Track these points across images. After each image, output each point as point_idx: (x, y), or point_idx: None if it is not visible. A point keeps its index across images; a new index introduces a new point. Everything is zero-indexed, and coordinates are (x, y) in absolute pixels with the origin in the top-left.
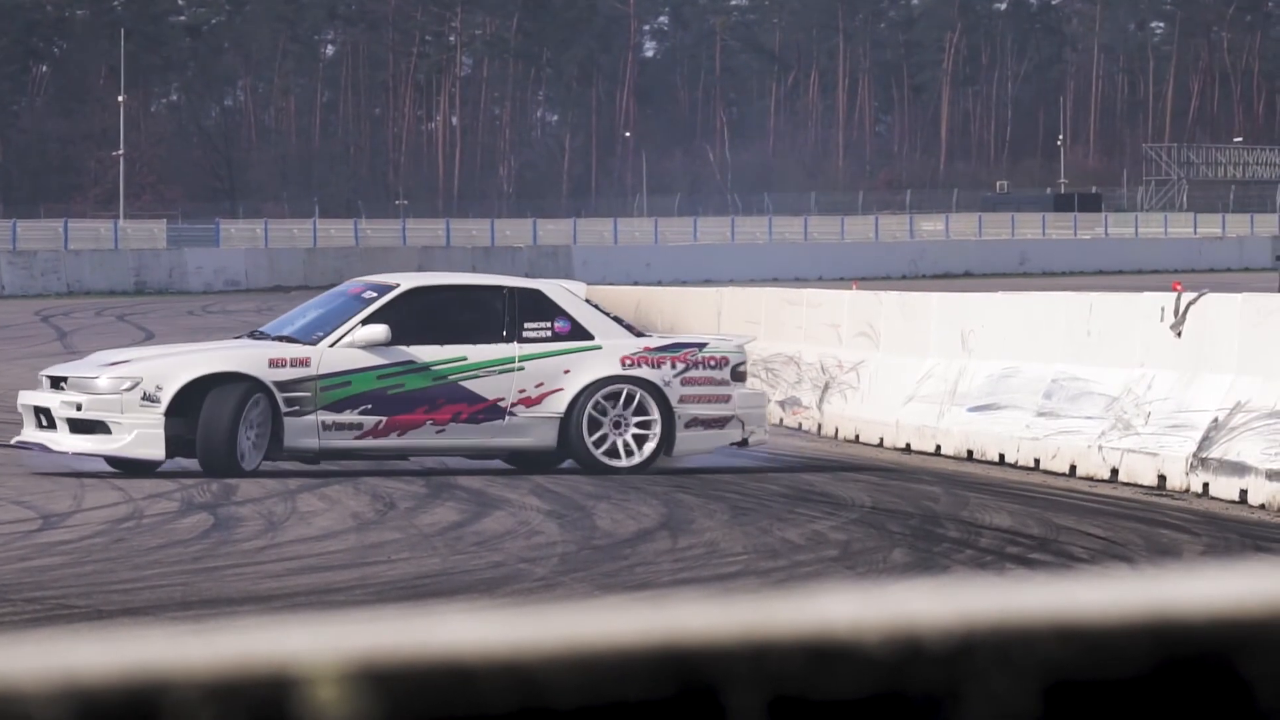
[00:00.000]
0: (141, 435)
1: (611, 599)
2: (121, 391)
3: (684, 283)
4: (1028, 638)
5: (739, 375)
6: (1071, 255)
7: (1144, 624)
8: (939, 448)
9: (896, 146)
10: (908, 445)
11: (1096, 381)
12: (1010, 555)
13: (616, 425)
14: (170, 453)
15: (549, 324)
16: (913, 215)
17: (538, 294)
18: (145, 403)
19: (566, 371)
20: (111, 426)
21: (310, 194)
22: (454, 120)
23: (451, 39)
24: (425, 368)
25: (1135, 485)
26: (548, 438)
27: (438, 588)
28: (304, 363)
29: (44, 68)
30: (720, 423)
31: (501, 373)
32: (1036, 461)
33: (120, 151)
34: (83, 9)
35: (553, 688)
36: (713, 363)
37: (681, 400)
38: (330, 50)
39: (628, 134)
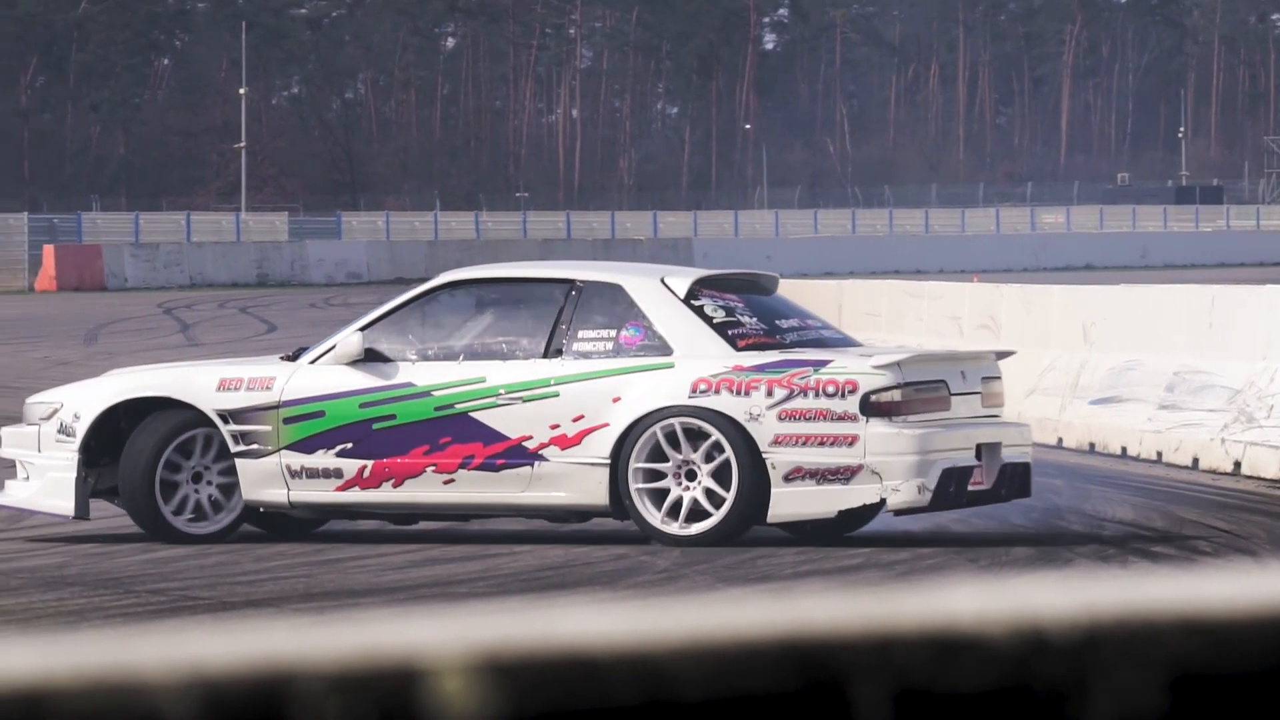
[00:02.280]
0: (50, 481)
1: (734, 592)
2: (39, 421)
3: (805, 275)
4: (1153, 631)
5: (878, 407)
6: (1193, 248)
7: (1269, 617)
8: (1061, 440)
9: (1017, 139)
10: None
11: (1219, 374)
12: (1133, 549)
13: (690, 477)
14: (82, 507)
15: (613, 332)
16: (1033, 208)
17: (614, 290)
18: (61, 437)
19: (616, 400)
20: (25, 468)
21: (431, 186)
22: (574, 113)
23: (572, 32)
24: (425, 393)
25: (1258, 478)
26: (592, 492)
27: (560, 580)
28: (265, 385)
29: (166, 61)
30: (841, 474)
31: (528, 400)
32: (1159, 454)
33: (242, 144)
34: (204, 2)
35: (678, 680)
36: (831, 388)
37: (776, 442)
38: (450, 43)
39: (748, 126)
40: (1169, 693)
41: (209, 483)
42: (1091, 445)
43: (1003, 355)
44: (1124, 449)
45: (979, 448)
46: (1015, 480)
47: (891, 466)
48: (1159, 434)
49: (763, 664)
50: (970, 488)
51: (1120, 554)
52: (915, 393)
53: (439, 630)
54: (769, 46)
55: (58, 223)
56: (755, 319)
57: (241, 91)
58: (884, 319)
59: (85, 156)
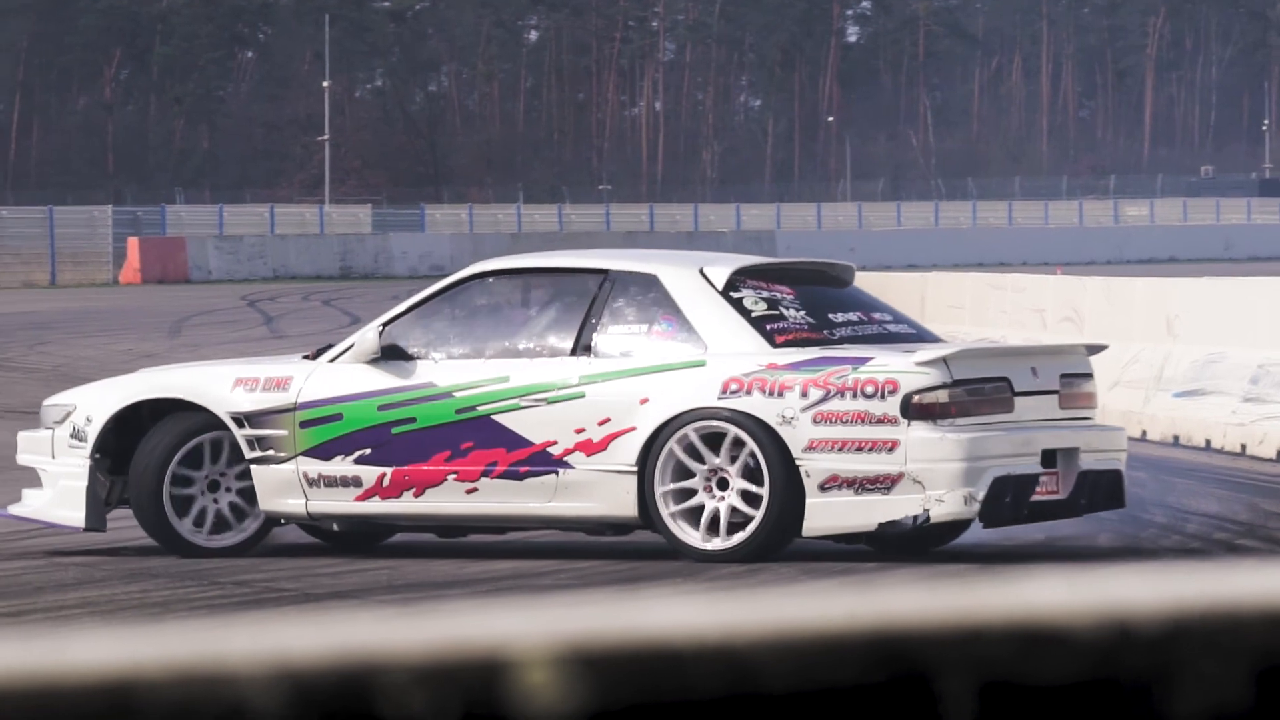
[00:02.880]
0: (62, 490)
1: (818, 584)
2: (53, 425)
3: (888, 268)
4: (1237, 623)
5: (920, 409)
6: (1277, 240)
7: None
8: (1144, 433)
9: (1100, 132)
10: None
11: None
12: (1218, 541)
13: (722, 486)
14: (95, 519)
15: (645, 326)
16: (1117, 200)
17: (648, 281)
18: (74, 442)
19: (644, 402)
20: (41, 476)
21: (514, 179)
22: (657, 105)
23: (654, 24)
24: (446, 395)
25: None
26: (620, 502)
27: (643, 572)
28: (282, 385)
29: (249, 53)
30: (881, 483)
31: (553, 402)
32: (1243, 447)
33: (325, 137)
34: None
35: (763, 672)
36: (870, 389)
37: (811, 447)
38: (534, 36)
39: (831, 119)
40: (1254, 684)
41: (227, 490)
42: (1175, 438)
43: (1095, 349)
44: (1208, 441)
45: (1048, 454)
46: (1100, 490)
47: (935, 474)
48: (1243, 426)
49: (847, 656)
50: (1037, 498)
51: (1205, 546)
52: (966, 393)
53: (524, 622)
54: (852, 39)
55: (142, 215)
56: (803, 312)
57: (325, 84)
58: (968, 312)
59: (169, 149)
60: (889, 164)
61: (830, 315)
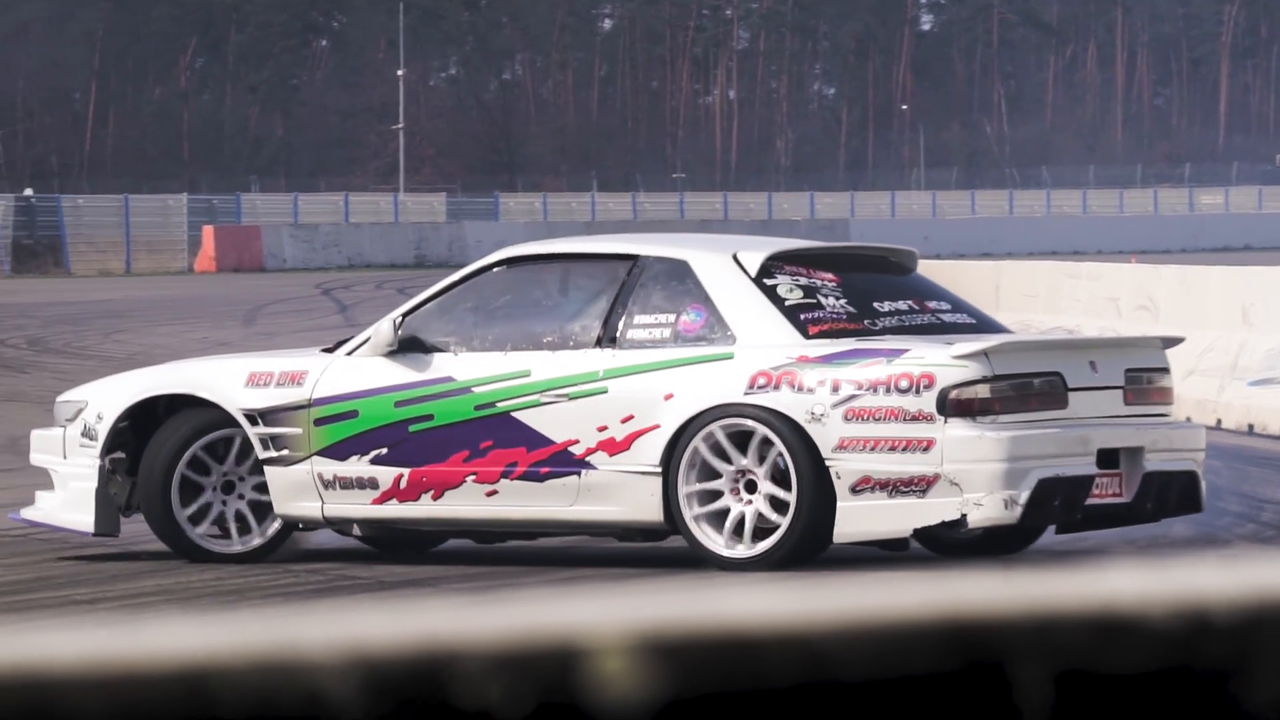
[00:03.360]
0: (73, 492)
1: (893, 572)
2: (65, 423)
3: (962, 256)
4: None
5: (958, 405)
6: None
7: None
8: (1219, 421)
9: (1175, 120)
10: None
11: None
12: None
13: (750, 488)
14: (105, 522)
15: (672, 316)
16: (1191, 189)
17: (678, 267)
18: (85, 441)
19: (668, 398)
20: (52, 477)
21: (588, 167)
22: (731, 94)
23: (728, 12)
24: (464, 390)
25: None
26: (644, 506)
27: None
28: (297, 380)
29: (324, 42)
30: (916, 486)
31: (575, 398)
32: None
33: (400, 125)
34: None
35: (838, 661)
36: (905, 383)
37: (841, 446)
38: (608, 24)
39: (905, 107)
40: None
41: (240, 496)
42: (1250, 426)
43: (1170, 342)
44: None
45: (1108, 453)
46: (1170, 492)
47: (972, 476)
48: None
49: (922, 644)
50: (1095, 501)
51: (1279, 536)
52: (1010, 388)
53: (599, 610)
54: (926, 27)
55: (217, 204)
56: (843, 301)
57: (399, 73)
58: (1042, 300)
59: (244, 138)
60: (963, 152)
61: (876, 304)
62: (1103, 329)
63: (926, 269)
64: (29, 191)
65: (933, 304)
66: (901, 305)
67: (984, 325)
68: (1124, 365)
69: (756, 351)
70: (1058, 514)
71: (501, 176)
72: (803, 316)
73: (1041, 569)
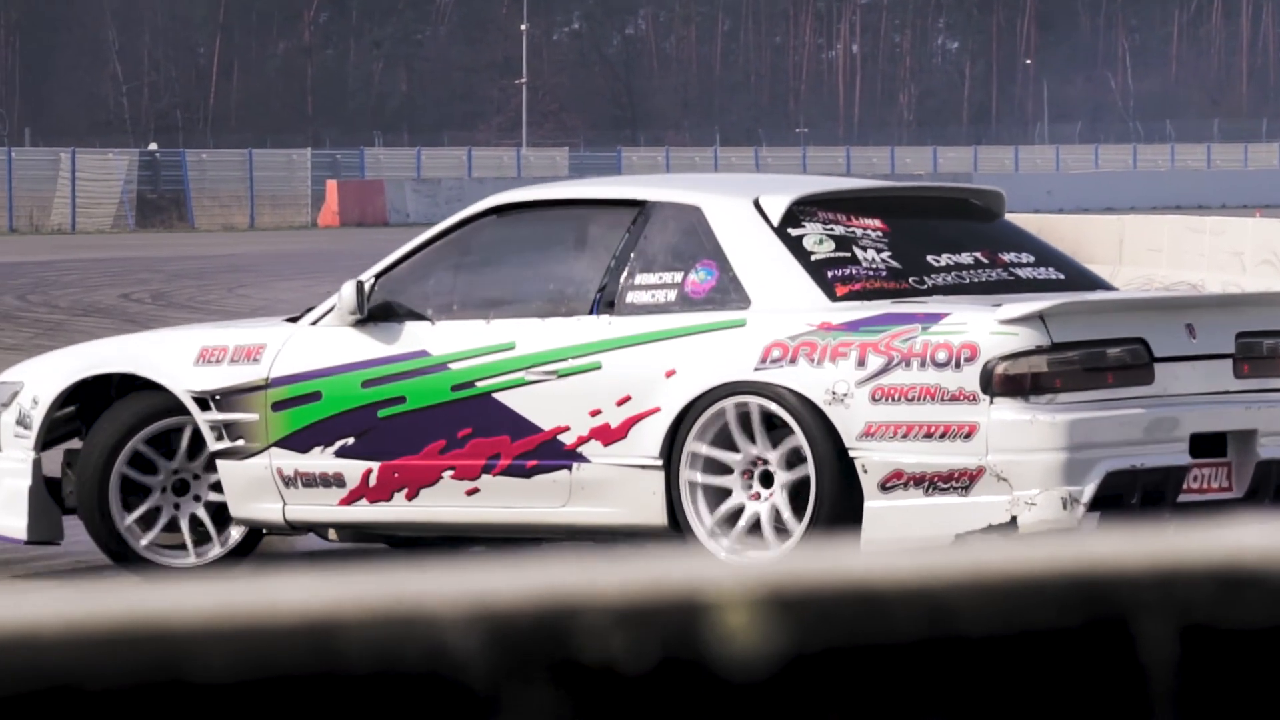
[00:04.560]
0: (6, 491)
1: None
2: (1, 408)
3: (1085, 210)
4: None
5: (1006, 381)
6: None
7: None
8: None
9: None
10: None
11: None
12: None
13: (765, 481)
14: (42, 528)
15: (680, 274)
16: None
17: (689, 215)
18: (20, 431)
19: (670, 374)
20: None
21: (711, 122)
22: (854, 48)
23: None
24: (440, 366)
25: None
26: (645, 506)
27: None
28: (253, 356)
29: None
30: (957, 481)
31: (564, 375)
32: None
33: (523, 80)
34: None
35: (962, 616)
36: (943, 354)
37: (869, 433)
38: None
39: (1029, 61)
40: None
41: (196, 497)
42: None
43: None
44: None
45: (1206, 438)
46: None
47: (1023, 469)
48: None
49: (1046, 599)
50: (1192, 497)
51: None
52: (1074, 359)
53: (723, 564)
54: None
55: (341, 158)
56: (886, 254)
57: (522, 27)
58: (1165, 255)
59: (368, 93)
60: (1086, 106)
61: (930, 257)
62: (1226, 283)
63: (1049, 224)
64: (153, 146)
65: (1009, 256)
66: (965, 258)
67: (1074, 281)
68: (1235, 329)
69: (773, 317)
70: (1138, 513)
71: (624, 131)
72: (830, 274)
73: (1164, 524)
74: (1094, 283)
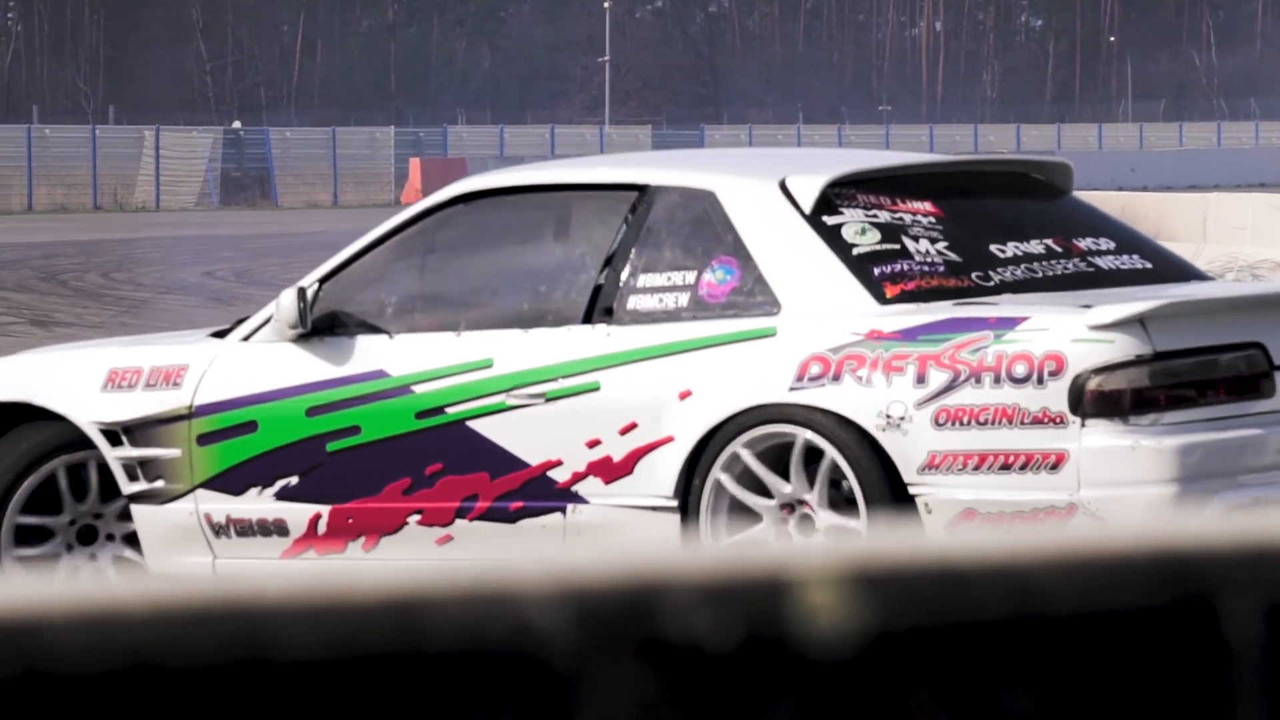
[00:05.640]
0: None
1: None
2: None
3: (1169, 188)
4: None
5: (1101, 400)
6: None
7: None
8: None
9: None
10: None
11: None
12: None
13: (804, 526)
14: None
15: (692, 274)
16: None
17: (701, 201)
18: None
19: (684, 395)
20: None
21: (793, 100)
22: (937, 25)
23: None
24: (402, 389)
25: None
26: None
27: None
28: (173, 378)
29: None
30: (1042, 523)
31: (554, 398)
32: None
33: (606, 58)
34: None
35: (1047, 594)
36: (1022, 368)
37: (932, 465)
38: None
39: (1112, 39)
40: None
41: (110, 537)
42: None
43: None
44: None
45: None
46: None
47: (1124, 507)
48: None
49: (1132, 577)
50: None
51: None
52: (1181, 371)
53: (807, 541)
54: None
55: (423, 136)
56: (942, 244)
57: (605, 5)
58: (1249, 232)
59: (450, 71)
60: (1170, 84)
61: (995, 247)
62: None
63: (1133, 202)
64: (237, 124)
65: (1085, 242)
66: (1034, 247)
67: (1164, 271)
68: None
69: (809, 325)
70: None
71: (706, 109)
72: (877, 271)
73: (1253, 501)
74: (1187, 272)
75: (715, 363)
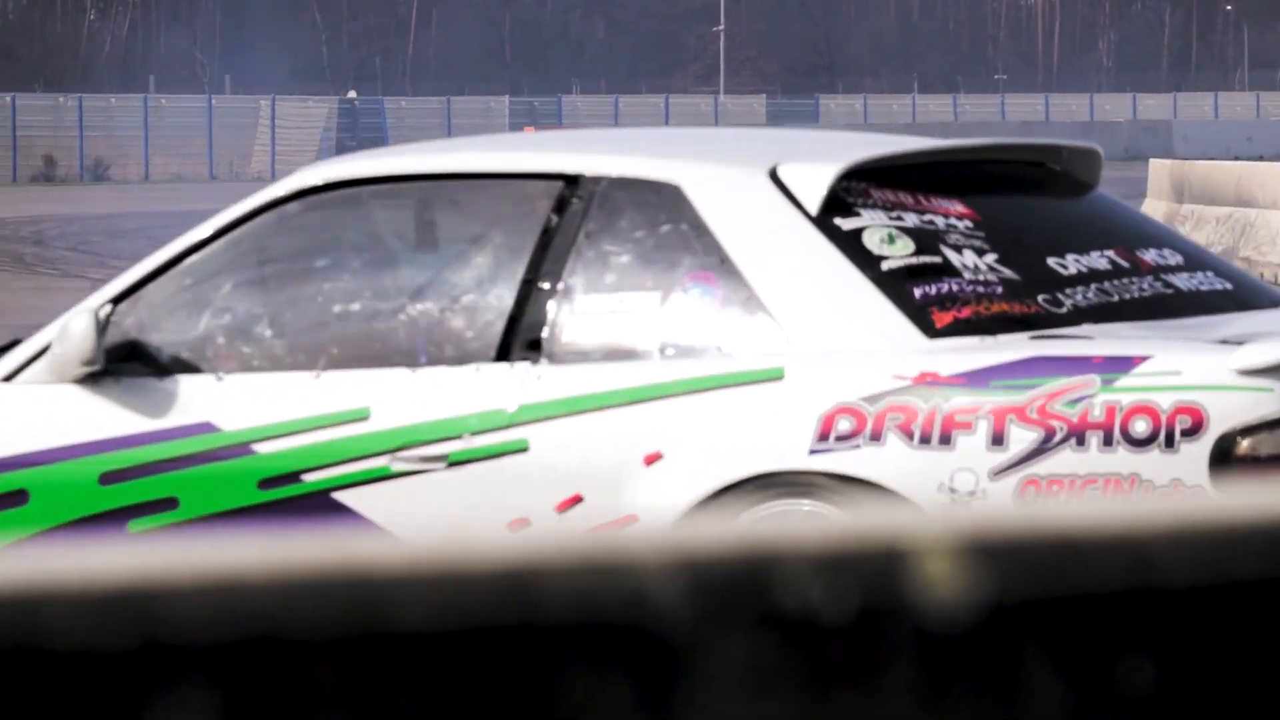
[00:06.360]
0: None
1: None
2: None
3: None
4: None
5: (1255, 467)
6: None
7: None
8: None
9: None
10: None
11: None
12: None
13: None
14: None
15: (655, 295)
16: None
17: (662, 197)
18: None
19: (653, 460)
20: None
21: (908, 69)
22: None
23: None
24: (239, 448)
25: None
26: None
27: None
28: None
29: None
30: None
31: (459, 462)
32: None
33: (720, 27)
34: None
35: (1164, 566)
36: (1144, 424)
37: None
38: None
39: (1229, 7)
40: None
41: None
42: None
43: None
44: None
45: None
46: None
47: None
48: None
49: (1251, 548)
50: None
51: None
52: None
53: (922, 511)
54: None
55: (538, 106)
56: (991, 256)
57: None
58: None
59: (565, 41)
60: None
61: (1056, 262)
62: None
63: (1250, 172)
64: (353, 94)
65: (1151, 255)
66: (1099, 261)
67: (1248, 294)
68: None
69: (831, 364)
70: None
71: (821, 78)
72: (919, 292)
73: None
74: (1272, 295)
75: (697, 415)
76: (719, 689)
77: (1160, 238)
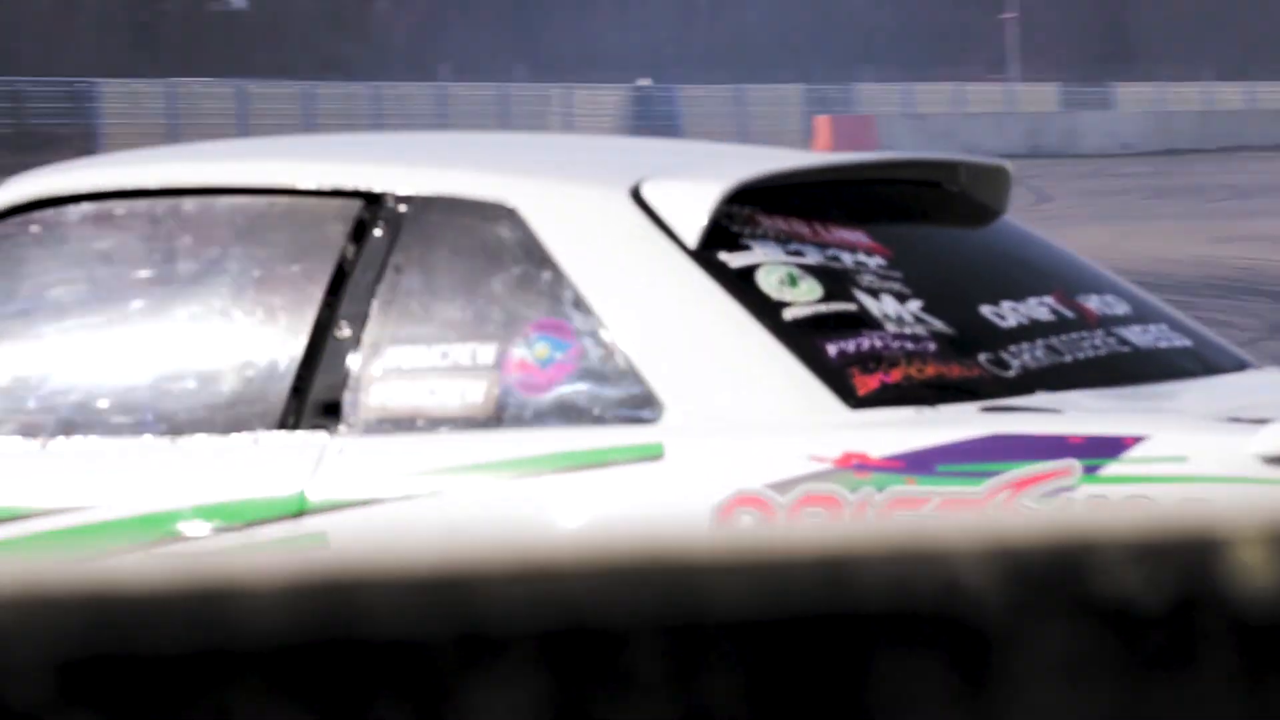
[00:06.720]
0: None
1: None
2: None
3: None
4: None
5: None
6: None
7: None
8: None
9: None
10: None
11: None
12: None
13: None
14: None
15: (489, 347)
16: None
17: (490, 220)
18: None
19: None
20: None
21: (1202, 56)
22: None
23: None
24: None
25: None
26: None
27: None
28: None
29: None
30: None
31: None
32: None
33: (1013, 14)
34: None
35: None
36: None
37: None
38: None
39: None
40: None
41: None
42: None
43: None
44: None
45: None
46: None
47: None
48: None
49: None
50: None
51: None
52: None
53: (1241, 497)
54: None
55: (832, 94)
56: (916, 302)
57: None
58: None
59: (855, 27)
60: None
61: (991, 311)
62: None
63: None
64: (646, 81)
65: (1094, 303)
66: (1038, 310)
67: (1210, 354)
68: None
69: (724, 441)
70: None
71: (1115, 65)
72: (833, 350)
73: None
74: (1231, 356)
75: (547, 502)
76: (1034, 678)
77: (1097, 280)
